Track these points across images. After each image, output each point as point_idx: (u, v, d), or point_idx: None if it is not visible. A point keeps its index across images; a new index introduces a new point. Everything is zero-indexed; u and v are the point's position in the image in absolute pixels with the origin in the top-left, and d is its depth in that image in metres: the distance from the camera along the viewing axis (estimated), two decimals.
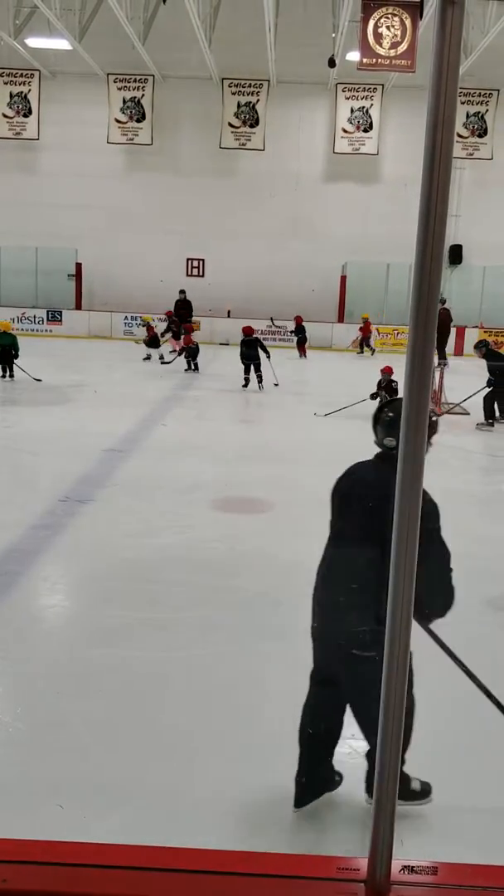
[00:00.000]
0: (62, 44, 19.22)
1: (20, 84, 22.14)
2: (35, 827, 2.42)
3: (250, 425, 10.42)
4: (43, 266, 23.16)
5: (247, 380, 13.77)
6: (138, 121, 22.14)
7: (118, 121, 22.17)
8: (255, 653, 4.06)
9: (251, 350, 13.76)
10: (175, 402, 12.31)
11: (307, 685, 3.81)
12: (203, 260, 23.61)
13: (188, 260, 23.61)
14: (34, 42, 19.74)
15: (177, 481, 7.35)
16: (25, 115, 22.34)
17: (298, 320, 20.06)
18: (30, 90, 22.17)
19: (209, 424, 10.51)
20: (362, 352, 20.97)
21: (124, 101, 22.05)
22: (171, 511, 6.50)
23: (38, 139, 22.53)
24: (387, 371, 11.13)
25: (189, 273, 23.65)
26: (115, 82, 21.90)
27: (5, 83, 22.14)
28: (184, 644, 4.14)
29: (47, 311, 22.70)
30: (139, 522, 6.15)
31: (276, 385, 13.88)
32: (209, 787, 2.97)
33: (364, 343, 21.18)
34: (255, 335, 14.05)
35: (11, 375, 13.38)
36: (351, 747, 3.24)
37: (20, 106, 22.29)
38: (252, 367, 13.76)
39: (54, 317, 22.66)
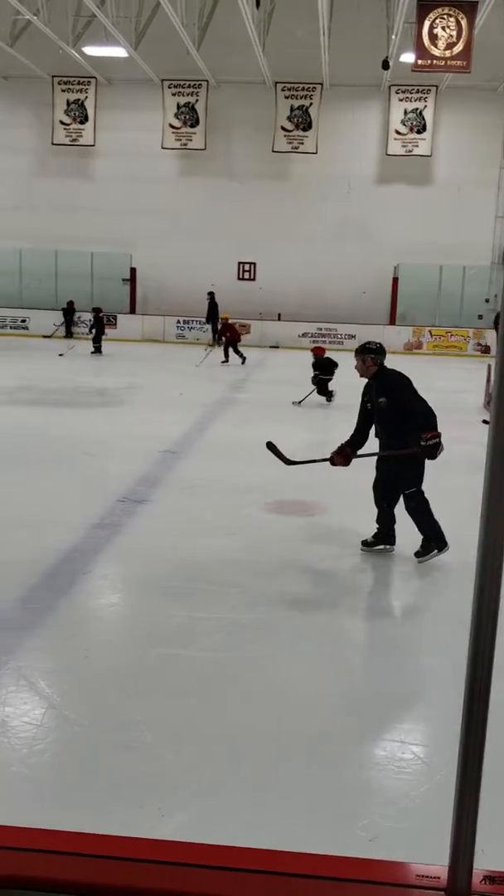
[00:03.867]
0: (118, 51, 19.51)
1: (77, 91, 22.56)
2: (107, 823, 2.46)
3: (303, 427, 10.40)
4: (98, 271, 23.52)
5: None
6: (192, 126, 22.33)
7: (172, 126, 22.40)
8: (308, 655, 4.06)
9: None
10: (228, 404, 12.37)
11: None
12: (254, 263, 23.68)
13: (239, 264, 23.72)
14: (91, 50, 20.08)
15: (231, 483, 7.37)
16: (82, 122, 22.74)
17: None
18: (86, 97, 22.57)
19: (262, 426, 10.51)
20: (227, 360, 17.70)
21: (178, 107, 22.27)
22: (225, 513, 6.53)
23: (94, 145, 22.92)
24: (318, 352, 12.86)
25: (240, 276, 23.76)
26: (169, 88, 22.14)
27: (63, 91, 22.58)
28: (240, 645, 4.15)
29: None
30: (195, 523, 6.19)
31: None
32: (272, 787, 2.97)
33: (232, 348, 17.85)
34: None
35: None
36: (413, 753, 3.22)
37: (77, 113, 22.71)
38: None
39: (109, 321, 22.98)
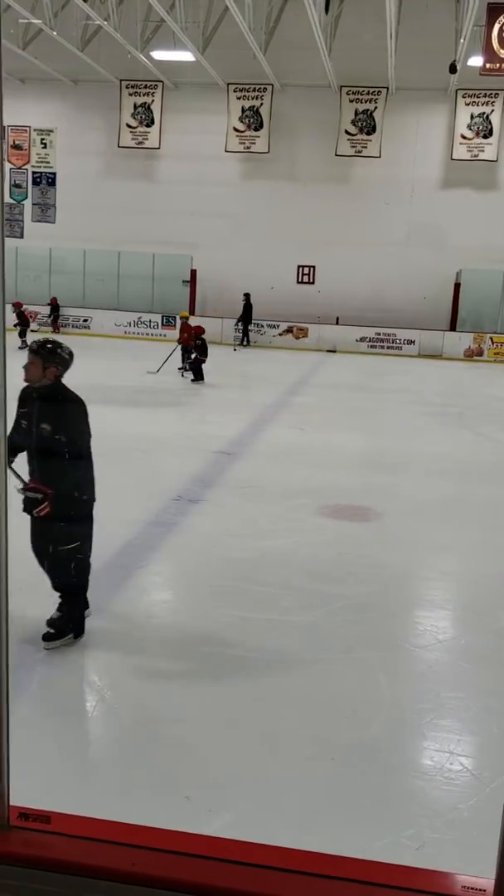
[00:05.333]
0: (186, 56, 19.73)
1: (144, 95, 22.91)
2: (160, 816, 2.49)
3: (359, 432, 10.34)
4: (159, 272, 23.80)
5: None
6: (256, 129, 22.44)
7: (236, 129, 22.54)
8: (361, 661, 4.03)
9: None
10: (283, 407, 12.38)
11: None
12: (314, 267, 23.64)
13: (299, 267, 23.70)
14: (159, 55, 20.35)
15: (284, 485, 7.38)
16: (148, 125, 23.08)
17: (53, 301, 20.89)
18: (153, 101, 22.89)
19: (317, 430, 10.50)
20: (184, 366, 14.92)
21: (243, 111, 22.41)
22: (278, 515, 6.53)
23: (158, 148, 23.22)
24: (199, 331, 14.24)
25: (299, 280, 23.75)
26: (234, 92, 22.29)
27: (130, 94, 22.95)
28: (291, 648, 4.16)
29: (162, 316, 23.31)
30: (247, 524, 6.22)
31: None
32: (317, 791, 2.97)
33: (186, 355, 14.88)
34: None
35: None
36: (462, 764, 3.18)
37: (143, 116, 23.06)
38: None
39: (168, 321, 23.25)
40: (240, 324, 22.51)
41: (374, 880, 1.62)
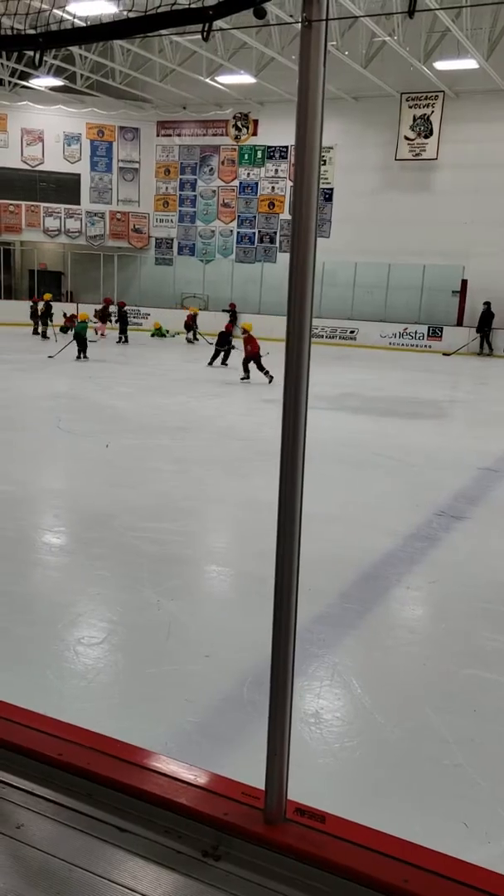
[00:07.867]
0: (469, 63, 19.25)
1: (424, 107, 22.75)
2: (433, 836, 2.42)
3: None
4: (429, 283, 23.42)
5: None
6: None
7: None
8: None
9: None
10: None
11: None
12: None
13: None
14: (441, 65, 20.07)
15: None
16: (426, 137, 22.89)
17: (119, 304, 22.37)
18: (433, 112, 22.65)
19: None
20: (247, 376, 14.32)
21: None
22: None
23: (436, 159, 22.90)
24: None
25: None
26: None
27: (410, 107, 22.91)
28: None
29: (428, 327, 22.95)
30: None
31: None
32: None
33: (255, 365, 14.04)
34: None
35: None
36: None
37: (422, 128, 22.91)
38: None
39: (434, 332, 22.85)
40: (479, 333, 22.05)
41: None
